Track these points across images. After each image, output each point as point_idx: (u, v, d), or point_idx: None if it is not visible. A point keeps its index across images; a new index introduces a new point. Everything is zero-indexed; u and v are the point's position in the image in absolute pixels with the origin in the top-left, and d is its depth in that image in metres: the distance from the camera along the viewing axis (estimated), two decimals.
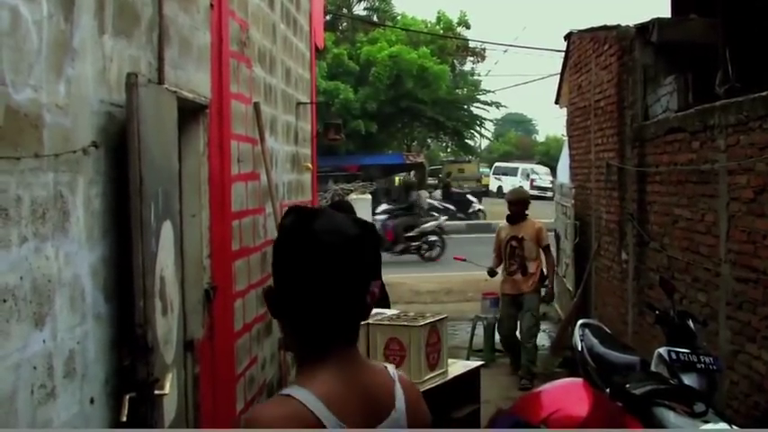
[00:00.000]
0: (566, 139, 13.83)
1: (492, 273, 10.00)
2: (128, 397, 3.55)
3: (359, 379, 2.01)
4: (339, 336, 2.00)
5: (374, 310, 6.18)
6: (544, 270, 9.84)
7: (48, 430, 3.01)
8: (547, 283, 10.03)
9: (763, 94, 5.41)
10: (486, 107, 38.01)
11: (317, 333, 1.98)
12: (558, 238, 13.43)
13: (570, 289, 11.61)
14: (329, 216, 2.00)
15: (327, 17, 28.22)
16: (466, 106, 36.70)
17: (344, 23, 37.28)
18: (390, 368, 2.14)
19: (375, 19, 37.17)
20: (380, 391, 2.05)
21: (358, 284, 1.99)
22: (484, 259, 10.45)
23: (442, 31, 35.25)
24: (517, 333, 9.54)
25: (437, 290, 15.57)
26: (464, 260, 11.15)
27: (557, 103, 14.16)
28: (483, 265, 10.38)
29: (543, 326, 12.76)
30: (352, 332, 2.04)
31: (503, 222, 10.10)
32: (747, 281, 5.67)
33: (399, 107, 32.66)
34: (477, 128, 38.32)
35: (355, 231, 2.00)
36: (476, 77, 41.18)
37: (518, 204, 9.83)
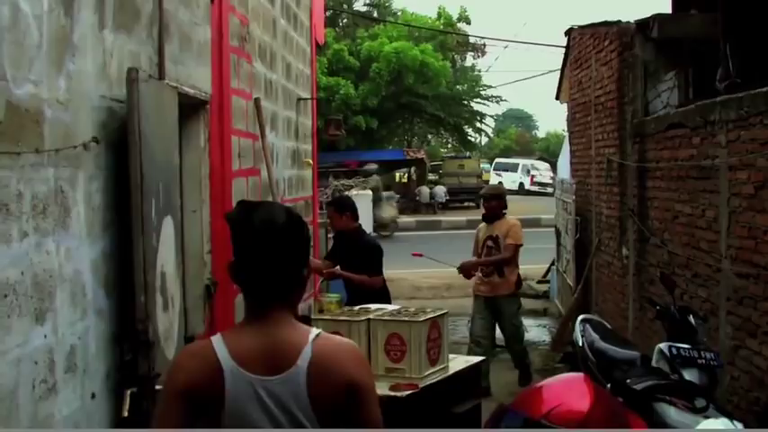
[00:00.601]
0: (566, 134, 13.82)
1: (464, 271, 8.80)
2: (129, 392, 3.56)
3: (270, 336, 2.41)
4: (263, 300, 2.44)
5: (375, 306, 6.21)
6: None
7: (48, 430, 3.01)
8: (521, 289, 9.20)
9: (764, 89, 5.41)
10: (486, 102, 38.02)
11: (247, 297, 2.46)
12: (558, 233, 13.43)
13: (571, 284, 11.61)
14: (265, 208, 2.48)
15: (328, 13, 28.21)
16: (466, 102, 36.70)
17: (345, 19, 37.27)
18: (313, 333, 2.46)
19: (375, 15, 37.17)
20: (287, 349, 2.40)
21: (283, 261, 2.43)
22: (446, 255, 9.68)
23: (442, 27, 35.22)
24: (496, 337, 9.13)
25: (438, 285, 15.56)
26: (421, 256, 10.41)
27: (557, 98, 14.15)
28: (443, 261, 9.55)
29: (544, 321, 12.78)
30: (277, 298, 2.45)
31: (483, 222, 9.21)
32: (748, 276, 5.66)
33: (400, 103, 32.68)
34: (478, 123, 38.33)
35: (283, 221, 2.44)
36: (476, 73, 41.16)
37: (492, 200, 9.08)
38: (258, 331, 2.43)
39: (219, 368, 2.38)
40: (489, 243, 8.77)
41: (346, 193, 21.11)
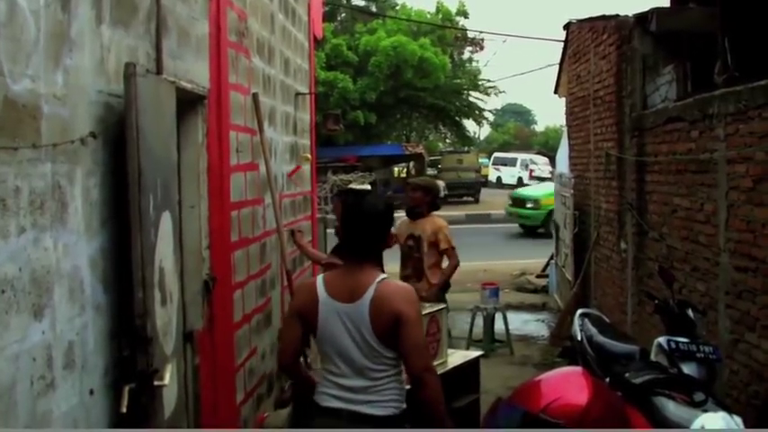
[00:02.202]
0: (565, 129, 13.82)
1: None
2: (127, 388, 3.55)
3: (352, 278, 3.72)
4: (352, 254, 3.81)
5: None
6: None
7: (47, 430, 3.01)
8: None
9: (762, 83, 5.41)
10: (484, 96, 38.00)
11: (345, 252, 3.93)
12: (557, 227, 13.44)
13: (570, 279, 11.62)
14: (370, 199, 3.90)
15: (326, 8, 28.17)
16: (465, 93, 36.66)
17: (343, 14, 37.22)
18: (380, 277, 3.69)
19: (374, 9, 37.12)
20: (360, 287, 3.67)
21: (374, 233, 3.81)
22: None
23: (440, 22, 35.19)
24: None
25: None
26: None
27: (556, 92, 14.15)
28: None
29: (542, 316, 12.79)
30: (364, 253, 3.78)
31: (400, 218, 8.00)
32: (746, 270, 5.67)
33: (398, 97, 32.64)
34: (476, 115, 38.29)
35: (380, 208, 3.84)
36: (474, 65, 41.15)
37: (417, 191, 8.19)
38: (346, 274, 3.75)
39: (316, 296, 3.71)
40: (410, 243, 8.04)
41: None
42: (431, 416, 3.61)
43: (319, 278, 3.77)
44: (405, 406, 3.74)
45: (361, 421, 3.62)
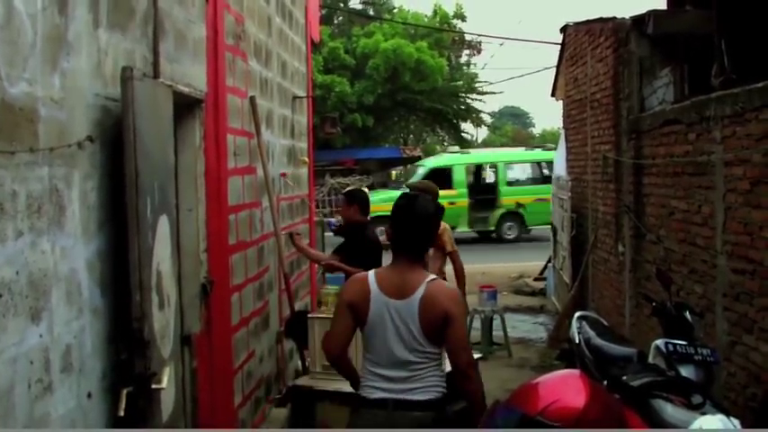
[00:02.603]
0: (562, 131, 13.82)
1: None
2: (125, 391, 3.55)
3: (403, 275, 3.95)
4: (402, 253, 4.01)
5: None
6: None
7: (46, 430, 3.01)
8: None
9: (759, 85, 5.41)
10: (482, 98, 37.99)
11: (395, 251, 4.04)
12: (554, 230, 13.44)
13: (567, 281, 11.62)
14: (421, 201, 4.07)
15: (323, 11, 28.19)
16: (463, 95, 36.66)
17: (340, 17, 37.24)
18: (430, 277, 3.95)
19: (371, 12, 37.14)
20: (410, 284, 3.90)
21: (423, 234, 4.06)
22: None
23: (438, 24, 35.21)
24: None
25: None
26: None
27: (553, 95, 14.16)
28: None
29: (540, 319, 12.79)
30: (414, 252, 4.02)
31: None
32: (744, 272, 5.67)
33: (396, 100, 32.63)
34: (474, 118, 38.28)
35: (430, 210, 4.06)
36: (472, 68, 41.13)
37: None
38: (397, 271, 3.98)
39: (368, 290, 3.95)
40: None
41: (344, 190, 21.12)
42: (473, 404, 4.02)
43: (371, 273, 4.03)
44: (445, 390, 4.00)
45: (406, 407, 3.88)
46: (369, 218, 7.42)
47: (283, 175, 8.06)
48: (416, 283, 3.90)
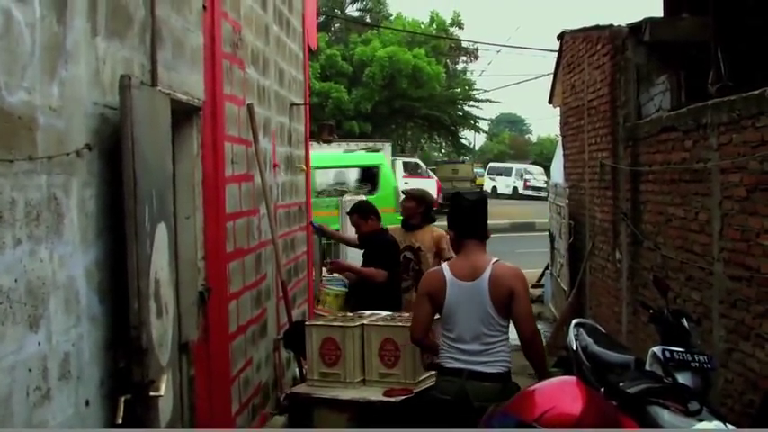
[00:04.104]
0: (559, 139, 13.84)
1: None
2: (123, 399, 3.55)
3: (471, 260, 4.75)
4: (471, 238, 4.82)
5: (370, 312, 6.25)
6: None
7: (46, 430, 3.01)
8: None
9: (756, 92, 5.42)
10: (479, 105, 38.05)
11: (461, 239, 4.86)
12: (552, 237, 13.45)
13: (565, 288, 11.63)
14: (470, 196, 4.95)
15: (320, 18, 28.22)
16: (460, 103, 36.71)
17: (338, 24, 37.30)
18: (494, 259, 4.75)
19: (368, 20, 37.19)
20: (478, 267, 4.70)
21: (480, 221, 4.87)
22: None
23: (435, 32, 35.27)
24: None
25: None
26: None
27: (550, 102, 14.18)
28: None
29: (538, 325, 12.77)
30: (476, 237, 4.83)
31: (393, 226, 8.23)
32: (741, 279, 5.68)
33: (393, 108, 32.69)
34: (472, 125, 38.34)
35: (480, 201, 4.95)
36: (469, 76, 41.22)
37: (410, 201, 8.04)
38: (465, 257, 4.79)
39: (443, 279, 4.77)
40: (408, 254, 7.85)
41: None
42: (538, 367, 4.87)
43: (444, 265, 4.94)
44: (511, 365, 4.79)
45: (478, 378, 4.63)
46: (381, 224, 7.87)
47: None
48: (484, 264, 4.70)
